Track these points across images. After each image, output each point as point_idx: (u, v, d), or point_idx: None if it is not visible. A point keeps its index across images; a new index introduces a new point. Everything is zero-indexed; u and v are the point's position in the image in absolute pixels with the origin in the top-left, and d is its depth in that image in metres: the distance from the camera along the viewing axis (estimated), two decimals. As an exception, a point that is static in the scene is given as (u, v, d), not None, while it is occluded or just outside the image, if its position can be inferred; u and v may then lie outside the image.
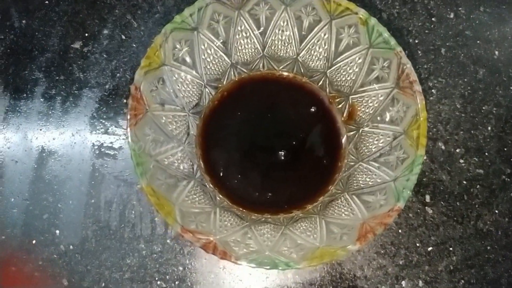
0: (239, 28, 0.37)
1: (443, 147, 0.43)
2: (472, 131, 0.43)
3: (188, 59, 0.36)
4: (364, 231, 0.31)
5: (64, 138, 0.43)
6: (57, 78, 0.44)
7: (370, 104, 0.37)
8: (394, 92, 0.35)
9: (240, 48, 0.39)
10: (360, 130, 0.38)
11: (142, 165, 0.31)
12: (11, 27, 0.45)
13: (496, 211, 0.42)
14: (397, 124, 0.35)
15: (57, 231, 0.41)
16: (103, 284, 0.40)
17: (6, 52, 0.44)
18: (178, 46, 0.35)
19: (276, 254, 0.31)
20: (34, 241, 0.41)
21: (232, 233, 0.34)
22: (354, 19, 0.35)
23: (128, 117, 0.31)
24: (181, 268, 0.40)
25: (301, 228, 0.36)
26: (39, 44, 0.44)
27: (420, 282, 0.40)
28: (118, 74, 0.44)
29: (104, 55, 0.44)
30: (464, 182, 0.42)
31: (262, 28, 0.38)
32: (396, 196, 0.32)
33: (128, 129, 0.31)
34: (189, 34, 0.35)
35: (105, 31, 0.45)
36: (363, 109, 0.38)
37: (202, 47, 0.37)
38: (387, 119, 0.36)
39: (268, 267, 0.30)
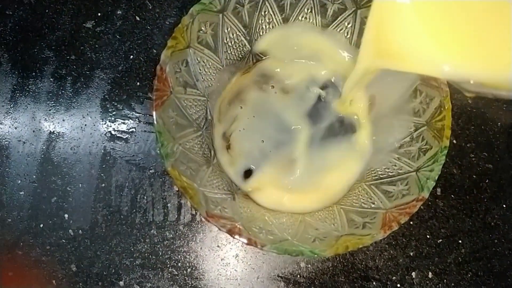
0: (262, 13, 0.37)
1: (454, 141, 0.43)
2: (482, 127, 0.44)
3: (211, 43, 0.36)
4: (388, 220, 0.31)
5: (74, 120, 0.41)
6: (68, 57, 0.42)
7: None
8: (417, 83, 0.35)
9: (261, 34, 0.38)
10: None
11: (167, 147, 0.30)
12: (20, 3, 0.43)
13: (504, 206, 0.42)
14: (419, 116, 0.35)
15: (66, 215, 0.40)
16: (113, 270, 0.39)
17: (15, 28, 0.43)
18: (203, 28, 0.34)
19: (300, 241, 0.31)
20: (41, 225, 0.39)
21: (253, 220, 0.33)
22: (381, 8, 0.35)
23: (154, 97, 0.31)
24: (193, 255, 0.40)
25: (320, 216, 0.36)
26: (50, 21, 0.43)
27: (430, 273, 0.41)
28: (131, 56, 0.43)
29: (117, 36, 0.43)
30: (474, 176, 0.43)
31: (284, 14, 0.38)
32: (420, 187, 0.32)
33: (154, 111, 0.30)
34: (214, 17, 0.34)
35: (119, 12, 0.43)
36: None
37: (226, 30, 0.36)
38: (408, 110, 0.36)
39: (294, 254, 0.30)
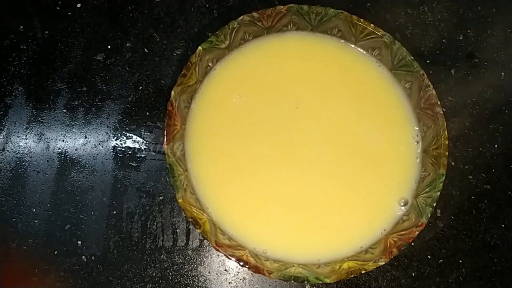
0: (266, 47, 0.39)
1: (453, 164, 0.45)
2: (480, 149, 0.45)
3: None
4: (389, 246, 0.33)
5: (87, 149, 0.43)
6: (80, 89, 0.44)
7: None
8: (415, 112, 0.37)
9: (264, 66, 0.40)
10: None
11: (178, 178, 0.32)
12: (33, 38, 0.45)
13: (503, 225, 0.44)
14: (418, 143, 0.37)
15: (79, 242, 0.41)
16: (125, 295, 0.40)
17: (29, 62, 0.45)
18: (210, 64, 0.36)
19: (306, 267, 0.33)
20: (55, 252, 0.41)
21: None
22: (379, 42, 0.37)
23: (165, 133, 0.32)
24: (202, 279, 0.41)
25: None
26: (62, 55, 0.45)
27: (432, 293, 0.42)
28: (140, 87, 0.44)
29: (127, 68, 0.45)
30: (473, 197, 0.44)
31: (287, 48, 0.39)
32: (420, 213, 0.34)
33: (165, 145, 0.32)
34: (220, 53, 0.36)
35: (128, 44, 0.45)
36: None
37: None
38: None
39: (300, 281, 0.31)
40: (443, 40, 0.48)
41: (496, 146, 0.45)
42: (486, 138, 0.46)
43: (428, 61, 0.47)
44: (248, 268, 0.31)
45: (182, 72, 0.33)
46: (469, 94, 0.46)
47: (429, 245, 0.43)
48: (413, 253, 0.43)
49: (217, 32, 0.35)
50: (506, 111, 0.46)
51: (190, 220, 0.31)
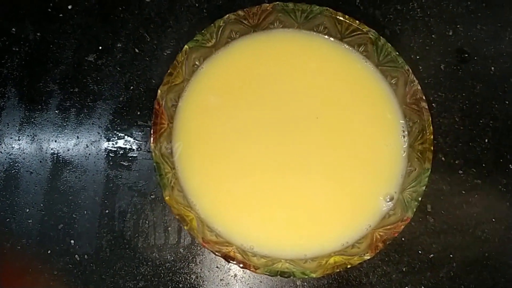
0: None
1: (443, 159, 0.45)
2: (470, 143, 0.45)
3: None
4: (375, 240, 0.33)
5: (79, 149, 0.44)
6: (72, 90, 0.45)
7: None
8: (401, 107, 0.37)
9: (252, 64, 0.40)
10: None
11: (165, 176, 0.32)
12: (25, 40, 0.46)
13: (493, 219, 0.44)
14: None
15: (72, 241, 0.42)
16: (118, 293, 0.41)
17: (21, 64, 0.45)
18: (197, 63, 0.36)
19: (292, 262, 0.33)
20: (49, 251, 0.41)
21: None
22: (364, 38, 0.37)
23: (152, 131, 0.33)
24: (193, 277, 0.41)
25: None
26: (54, 56, 0.45)
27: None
28: (131, 87, 0.45)
29: (118, 68, 0.45)
30: (463, 192, 0.44)
31: (274, 45, 0.40)
32: (405, 208, 0.34)
33: (152, 143, 0.33)
34: (207, 52, 0.36)
35: (119, 45, 0.46)
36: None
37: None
38: (394, 133, 0.38)
39: (286, 276, 0.31)
40: (433, 35, 0.48)
41: (486, 140, 0.46)
42: (476, 132, 0.46)
43: (418, 57, 0.47)
44: (235, 263, 0.31)
45: (169, 71, 0.34)
46: (459, 89, 0.47)
47: (420, 240, 0.43)
48: (404, 248, 0.43)
49: (203, 31, 0.35)
50: (496, 105, 0.46)
51: (177, 217, 0.32)
